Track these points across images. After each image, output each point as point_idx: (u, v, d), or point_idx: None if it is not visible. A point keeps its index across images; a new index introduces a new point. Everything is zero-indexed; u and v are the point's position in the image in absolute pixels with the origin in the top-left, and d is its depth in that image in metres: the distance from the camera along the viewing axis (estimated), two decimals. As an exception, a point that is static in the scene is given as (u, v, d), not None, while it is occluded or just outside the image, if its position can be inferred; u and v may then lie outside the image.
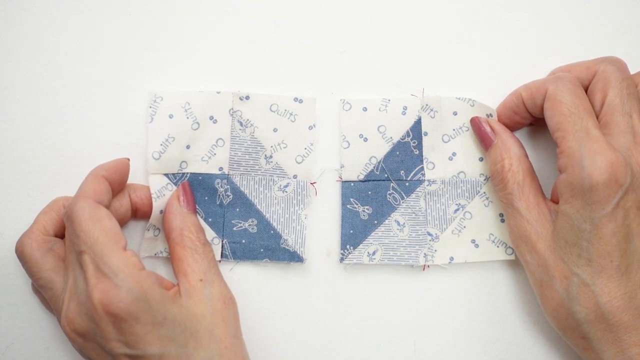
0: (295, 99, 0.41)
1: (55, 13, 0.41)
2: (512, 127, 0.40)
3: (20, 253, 0.35)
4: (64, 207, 0.36)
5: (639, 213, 0.32)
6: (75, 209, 0.33)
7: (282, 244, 0.40)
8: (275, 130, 0.41)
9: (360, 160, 0.41)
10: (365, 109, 0.41)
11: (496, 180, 0.37)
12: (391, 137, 0.41)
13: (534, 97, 0.37)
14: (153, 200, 0.39)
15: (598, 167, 0.31)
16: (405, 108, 0.41)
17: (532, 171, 0.37)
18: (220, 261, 0.40)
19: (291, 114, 0.41)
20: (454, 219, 0.41)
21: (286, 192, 0.40)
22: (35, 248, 0.34)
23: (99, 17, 0.42)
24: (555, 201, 0.35)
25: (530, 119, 0.39)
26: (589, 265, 0.32)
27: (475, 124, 0.40)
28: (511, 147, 0.37)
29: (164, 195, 0.39)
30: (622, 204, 0.32)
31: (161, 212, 0.39)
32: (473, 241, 0.40)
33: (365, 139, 0.41)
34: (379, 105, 0.41)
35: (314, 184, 0.41)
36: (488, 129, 0.39)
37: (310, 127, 0.41)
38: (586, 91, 0.37)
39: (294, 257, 0.40)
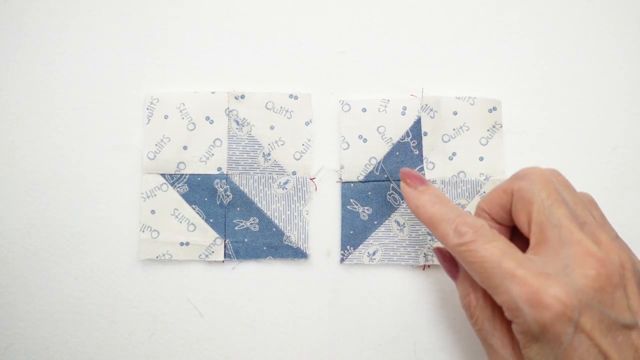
0: (291, 96, 0.41)
1: (55, 13, 0.42)
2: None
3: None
4: None
5: (601, 330, 0.29)
6: None
7: (285, 241, 0.40)
8: (272, 127, 0.41)
9: (360, 161, 0.41)
10: (364, 110, 0.41)
11: (467, 314, 0.34)
12: (391, 138, 0.41)
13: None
14: (143, 199, 0.39)
15: (538, 309, 0.29)
16: (404, 108, 0.41)
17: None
18: (223, 261, 0.40)
19: (287, 111, 0.41)
20: (454, 219, 0.41)
21: (286, 189, 0.40)
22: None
23: (98, 18, 0.42)
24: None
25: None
26: None
27: (438, 256, 0.37)
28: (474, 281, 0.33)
29: (155, 195, 0.40)
30: (580, 328, 0.29)
31: (152, 211, 0.39)
32: (473, 241, 0.40)
33: (365, 140, 0.41)
34: (378, 105, 0.41)
35: (314, 180, 0.41)
36: (448, 266, 0.36)
37: (307, 123, 0.41)
38: (511, 214, 0.34)
39: (298, 254, 0.40)
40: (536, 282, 0.29)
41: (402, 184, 0.36)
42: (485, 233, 0.32)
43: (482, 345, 0.34)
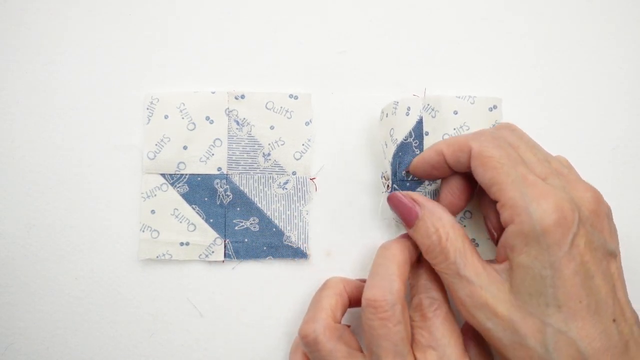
0: (291, 96, 0.41)
1: (55, 13, 0.42)
2: (427, 179, 0.39)
3: (313, 341, 0.34)
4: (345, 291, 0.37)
5: (591, 250, 0.31)
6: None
7: (285, 240, 0.40)
8: (272, 127, 0.41)
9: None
10: (387, 115, 0.40)
11: (434, 253, 0.34)
12: (396, 139, 0.41)
13: (457, 155, 0.35)
14: (143, 199, 0.40)
15: (545, 209, 0.30)
16: (409, 109, 0.41)
17: (467, 235, 0.34)
18: (223, 261, 0.40)
19: (287, 111, 0.41)
20: (454, 219, 0.40)
21: (286, 189, 0.40)
22: (328, 337, 0.34)
23: (98, 18, 0.42)
24: (501, 260, 0.33)
25: (449, 174, 0.37)
26: (560, 311, 0.30)
27: (393, 201, 0.36)
28: (442, 215, 0.34)
29: (155, 195, 0.40)
30: (576, 242, 0.30)
31: (152, 211, 0.39)
32: (473, 240, 0.40)
33: (385, 145, 0.40)
34: (391, 109, 0.40)
35: (314, 180, 0.41)
36: (409, 202, 0.35)
37: (307, 123, 0.41)
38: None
39: (298, 254, 0.40)
40: (545, 188, 0.31)
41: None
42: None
43: (450, 287, 0.33)
